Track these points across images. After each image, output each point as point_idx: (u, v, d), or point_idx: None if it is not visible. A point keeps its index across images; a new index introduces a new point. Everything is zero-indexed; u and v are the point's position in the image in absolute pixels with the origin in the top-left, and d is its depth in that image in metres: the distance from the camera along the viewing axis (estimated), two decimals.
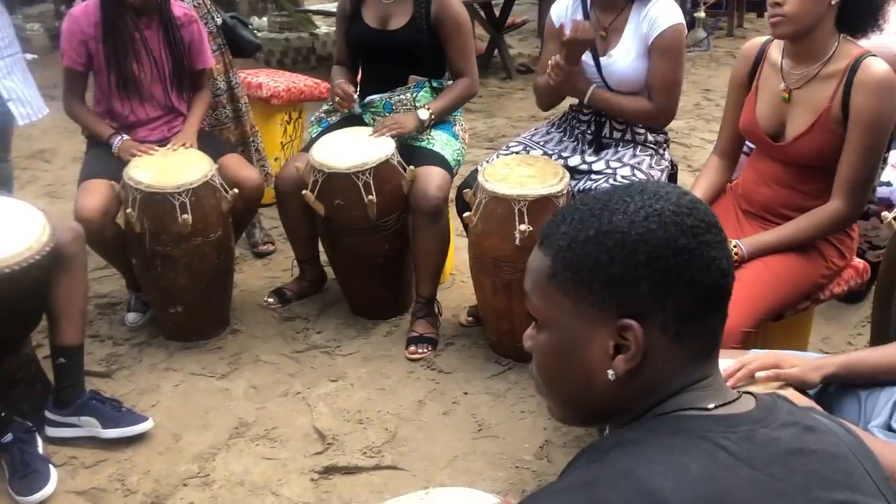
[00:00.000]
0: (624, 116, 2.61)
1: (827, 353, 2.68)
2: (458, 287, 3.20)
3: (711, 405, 0.84)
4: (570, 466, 0.87)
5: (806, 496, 0.78)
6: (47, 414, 2.35)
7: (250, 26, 3.49)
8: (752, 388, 1.38)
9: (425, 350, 2.75)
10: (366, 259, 2.83)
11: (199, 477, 2.24)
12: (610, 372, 0.85)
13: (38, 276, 2.16)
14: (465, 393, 2.58)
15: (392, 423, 2.44)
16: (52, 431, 2.34)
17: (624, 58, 2.54)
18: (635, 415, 0.87)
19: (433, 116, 2.83)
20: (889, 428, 1.47)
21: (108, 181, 2.67)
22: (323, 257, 3.09)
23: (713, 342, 0.87)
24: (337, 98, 2.85)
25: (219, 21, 3.20)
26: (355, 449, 2.32)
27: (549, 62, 2.55)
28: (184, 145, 2.79)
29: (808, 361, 1.54)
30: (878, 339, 2.15)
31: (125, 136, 2.79)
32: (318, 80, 3.98)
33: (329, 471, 2.25)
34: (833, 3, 1.91)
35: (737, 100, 2.23)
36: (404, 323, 2.92)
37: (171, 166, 2.68)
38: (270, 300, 3.06)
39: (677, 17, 2.49)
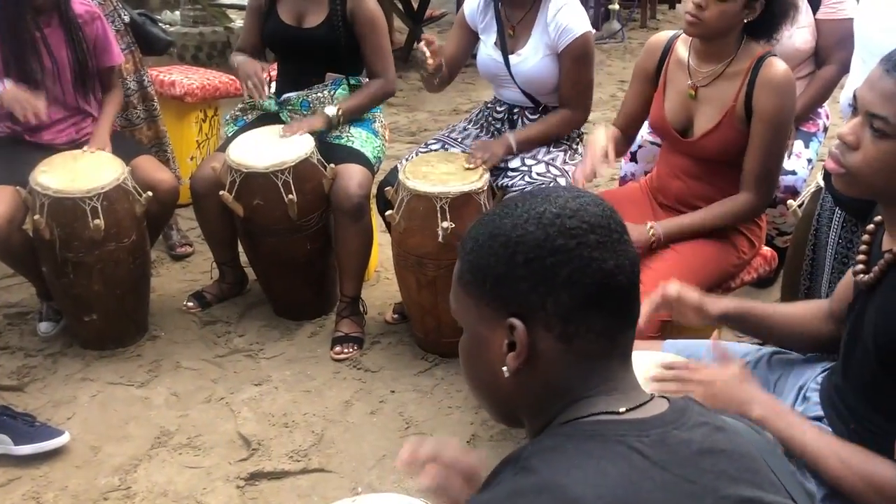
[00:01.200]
0: (552, 136, 2.66)
1: (742, 338, 2.78)
2: (383, 284, 3.18)
3: (623, 409, 0.86)
4: (493, 477, 0.88)
5: (715, 496, 0.80)
6: None
7: (160, 22, 3.39)
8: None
9: (351, 349, 2.74)
10: (288, 259, 2.79)
11: (121, 490, 2.18)
12: (504, 369, 0.88)
13: None
14: (392, 391, 2.58)
15: (318, 425, 2.42)
16: None
17: (532, 57, 2.58)
18: (546, 419, 0.89)
19: (341, 114, 2.77)
20: None
21: (12, 187, 2.56)
22: (243, 258, 3.04)
23: (608, 343, 0.88)
24: (250, 83, 2.73)
25: (126, 19, 3.10)
26: (281, 453, 2.30)
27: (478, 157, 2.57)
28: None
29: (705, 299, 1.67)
30: None
31: (6, 83, 2.58)
32: (234, 77, 3.89)
33: (255, 477, 2.22)
34: (746, 21, 2.03)
35: (637, 89, 2.33)
36: (329, 323, 2.90)
37: (81, 170, 2.59)
38: (190, 304, 2.99)
39: (586, 24, 2.56)
